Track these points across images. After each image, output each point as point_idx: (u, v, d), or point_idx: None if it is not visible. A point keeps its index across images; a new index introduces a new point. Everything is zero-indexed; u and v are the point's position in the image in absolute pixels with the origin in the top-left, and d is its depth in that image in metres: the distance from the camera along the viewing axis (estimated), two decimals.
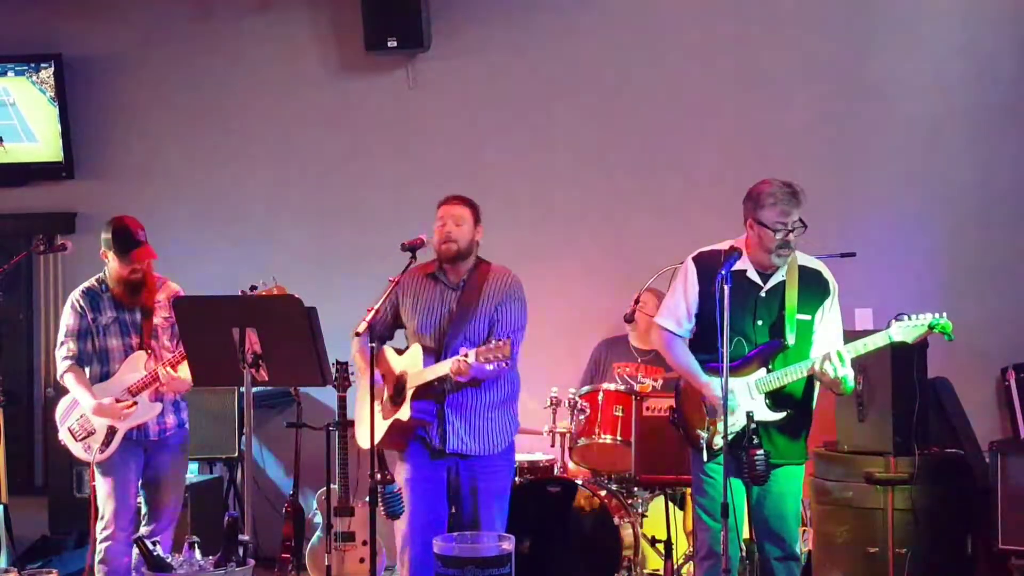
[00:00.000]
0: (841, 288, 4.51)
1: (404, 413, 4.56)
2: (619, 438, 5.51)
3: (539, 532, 5.36)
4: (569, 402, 5.68)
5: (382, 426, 4.54)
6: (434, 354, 4.60)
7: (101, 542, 4.91)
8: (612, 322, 6.30)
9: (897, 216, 6.40)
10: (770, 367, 4.35)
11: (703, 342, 4.43)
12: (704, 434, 4.37)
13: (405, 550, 4.63)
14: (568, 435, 5.70)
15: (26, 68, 7.14)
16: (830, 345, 4.32)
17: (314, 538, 6.01)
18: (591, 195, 6.75)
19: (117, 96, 7.27)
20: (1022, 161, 6.35)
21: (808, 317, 4.39)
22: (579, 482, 5.51)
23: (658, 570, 5.62)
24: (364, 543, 5.82)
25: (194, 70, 7.22)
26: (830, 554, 5.20)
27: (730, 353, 4.16)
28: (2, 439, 5.78)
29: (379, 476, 4.34)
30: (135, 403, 4.88)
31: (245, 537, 4.15)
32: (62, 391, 5.09)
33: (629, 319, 5.95)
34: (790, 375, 4.32)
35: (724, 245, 4.43)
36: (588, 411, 5.59)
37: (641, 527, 5.56)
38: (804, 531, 5.14)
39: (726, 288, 4.09)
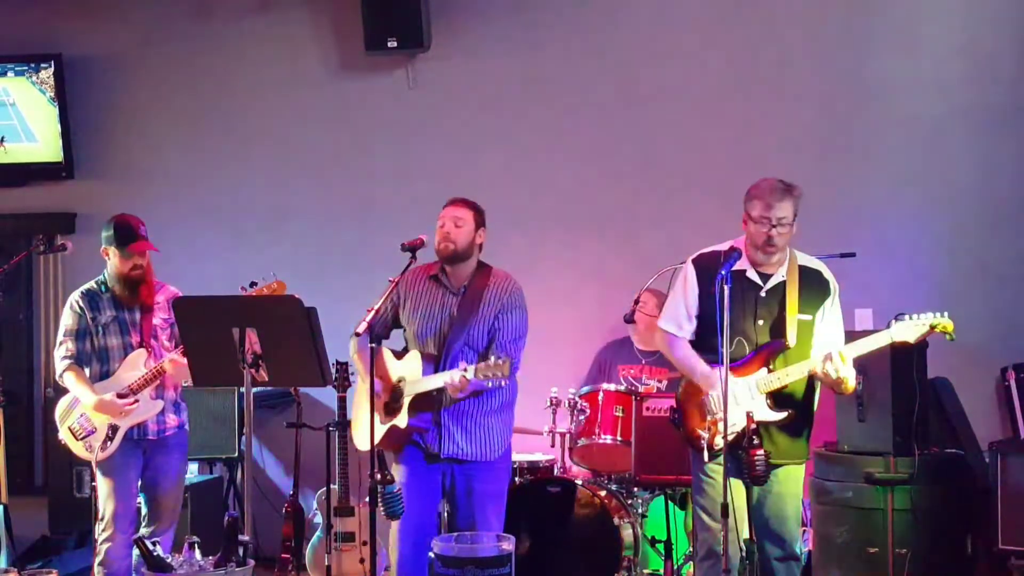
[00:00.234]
0: (841, 288, 4.51)
1: (402, 421, 4.57)
2: (619, 438, 5.52)
3: (539, 532, 5.36)
4: (569, 402, 5.68)
5: (379, 429, 4.54)
6: (434, 361, 4.60)
7: (101, 543, 4.91)
8: (612, 322, 6.30)
9: (897, 216, 6.40)
10: (771, 367, 4.35)
11: (704, 343, 4.43)
12: (704, 434, 4.37)
13: (394, 550, 4.64)
14: (568, 435, 5.70)
15: (26, 68, 7.14)
16: (831, 345, 4.32)
17: (314, 538, 6.01)
18: (591, 195, 6.75)
19: (117, 96, 7.28)
20: (1022, 161, 6.35)
21: (809, 317, 4.39)
22: (579, 482, 5.51)
23: (658, 570, 5.62)
24: (364, 543, 5.82)
25: (194, 70, 7.22)
26: (830, 554, 5.20)
27: (731, 353, 4.16)
28: (2, 439, 5.78)
29: (379, 476, 4.34)
30: (136, 400, 4.89)
31: (245, 537, 4.15)
32: (62, 391, 5.10)
33: (629, 319, 5.96)
34: (791, 375, 4.32)
35: (724, 246, 4.44)
36: (588, 411, 5.59)
37: (641, 527, 5.56)
38: (804, 531, 5.13)
39: (726, 288, 4.10)
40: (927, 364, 5.20)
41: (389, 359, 4.67)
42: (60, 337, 5.04)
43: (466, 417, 4.62)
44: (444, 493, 4.69)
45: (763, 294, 4.40)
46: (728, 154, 6.48)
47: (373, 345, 4.37)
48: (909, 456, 5.02)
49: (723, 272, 4.14)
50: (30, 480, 7.20)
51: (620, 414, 5.52)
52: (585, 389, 5.73)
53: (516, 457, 5.86)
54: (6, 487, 5.93)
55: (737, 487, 4.25)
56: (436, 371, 4.58)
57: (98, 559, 4.92)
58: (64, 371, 4.99)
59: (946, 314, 4.26)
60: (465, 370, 4.36)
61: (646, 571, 5.69)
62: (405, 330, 4.77)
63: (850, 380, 4.27)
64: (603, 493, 5.50)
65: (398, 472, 4.65)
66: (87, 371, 4.99)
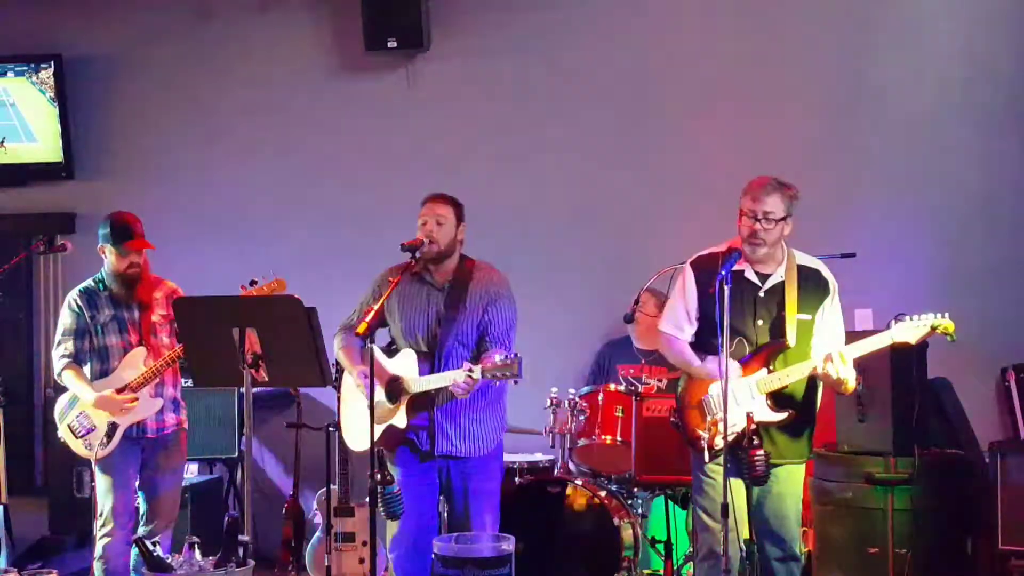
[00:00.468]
0: (841, 288, 4.51)
1: (401, 420, 4.57)
2: (619, 439, 5.51)
3: (539, 532, 5.35)
4: (569, 403, 5.68)
5: (375, 429, 4.51)
6: (428, 359, 4.60)
7: (100, 539, 4.92)
8: (612, 323, 6.30)
9: (897, 216, 6.40)
10: (771, 368, 4.35)
11: (704, 343, 4.44)
12: (704, 435, 4.37)
13: (393, 550, 4.64)
14: (568, 435, 5.70)
15: (26, 68, 7.14)
16: (831, 345, 4.32)
17: (314, 538, 6.01)
18: (591, 195, 6.75)
19: (117, 96, 7.28)
20: (1022, 161, 6.35)
21: (808, 317, 4.39)
22: (579, 482, 5.51)
23: (658, 570, 5.62)
24: (364, 543, 5.82)
25: (194, 70, 7.22)
26: (830, 554, 5.20)
27: (731, 354, 4.16)
28: (2, 439, 5.78)
29: (379, 476, 4.34)
30: (136, 398, 4.89)
31: (245, 537, 4.15)
32: (62, 391, 5.10)
33: (629, 319, 5.95)
34: (791, 375, 4.32)
35: (721, 247, 4.45)
36: (588, 412, 5.59)
37: (641, 527, 5.56)
38: (804, 531, 5.13)
39: (726, 289, 4.10)
40: (927, 364, 5.21)
41: (380, 358, 4.66)
42: (59, 336, 5.04)
43: (459, 414, 4.62)
44: (441, 490, 4.69)
45: (762, 294, 4.40)
46: (728, 154, 6.47)
47: (372, 345, 4.37)
48: (909, 456, 5.02)
49: (723, 272, 4.14)
50: (30, 480, 7.20)
51: (620, 414, 5.52)
52: (585, 389, 5.73)
53: (516, 457, 5.88)
54: (6, 487, 5.93)
55: (737, 487, 4.25)
56: (432, 369, 4.58)
57: (97, 554, 4.93)
58: (63, 369, 4.99)
59: (947, 315, 4.26)
60: (471, 371, 4.34)
61: (646, 571, 5.69)
62: (391, 328, 4.77)
63: (850, 380, 4.26)
64: (603, 493, 5.49)
65: (394, 472, 4.65)
66: (86, 370, 4.99)
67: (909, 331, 4.27)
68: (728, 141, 6.55)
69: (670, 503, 5.59)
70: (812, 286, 4.42)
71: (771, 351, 4.36)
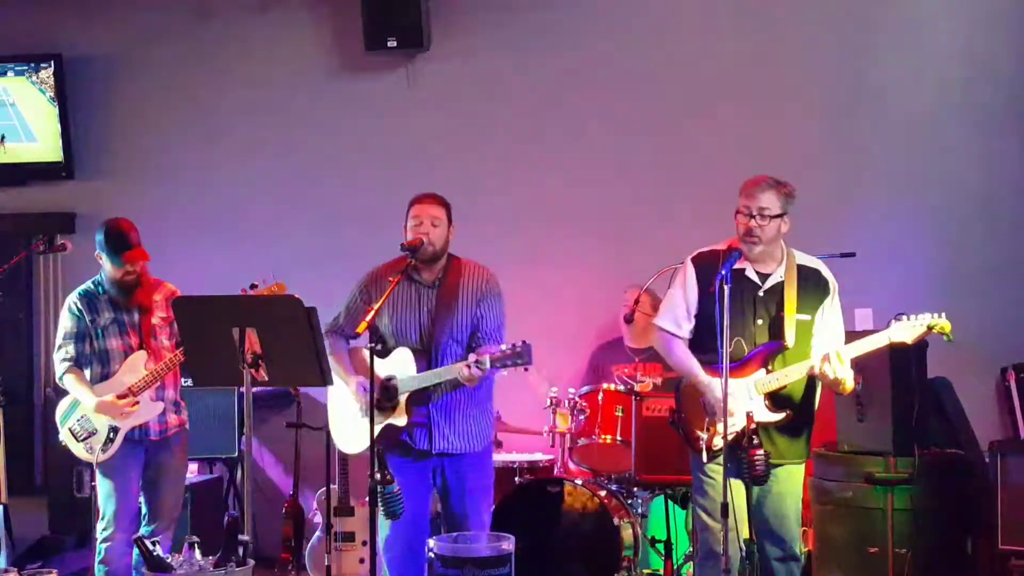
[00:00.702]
0: (841, 288, 4.50)
1: (401, 419, 4.58)
2: (619, 438, 5.52)
3: (539, 532, 5.35)
4: (569, 402, 5.68)
5: (366, 431, 4.50)
6: (424, 356, 4.61)
7: (102, 542, 4.91)
8: (612, 322, 6.30)
9: (897, 216, 6.40)
10: (769, 368, 4.35)
11: (702, 342, 4.43)
12: (703, 435, 4.37)
13: (387, 552, 4.64)
14: (568, 435, 5.70)
15: (26, 68, 7.14)
16: (830, 345, 4.32)
17: (314, 538, 6.01)
18: (590, 195, 6.74)
19: (117, 96, 7.28)
20: (1022, 161, 6.35)
21: (807, 317, 4.39)
22: (579, 482, 5.51)
23: (658, 570, 5.62)
24: (364, 543, 5.82)
25: (194, 70, 7.22)
26: (830, 554, 5.20)
27: (729, 354, 4.16)
28: (2, 439, 5.78)
29: (379, 476, 4.34)
30: (137, 402, 4.89)
31: (245, 537, 4.14)
32: (62, 392, 5.09)
33: (629, 320, 5.97)
34: (790, 376, 4.32)
35: (722, 245, 4.45)
36: (588, 411, 5.59)
37: (641, 527, 5.56)
38: (804, 531, 5.13)
39: (726, 288, 4.10)
40: (927, 364, 5.21)
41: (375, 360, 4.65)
42: (59, 340, 5.03)
43: (453, 411, 4.64)
44: (435, 488, 4.71)
45: (761, 293, 4.40)
46: (727, 154, 6.47)
47: (372, 345, 4.37)
48: (909, 456, 5.03)
49: (723, 271, 4.14)
50: (30, 480, 7.19)
51: (620, 414, 5.53)
52: (585, 389, 5.73)
53: (516, 457, 5.89)
54: (6, 487, 5.93)
55: (737, 487, 4.24)
56: (429, 365, 4.59)
57: (99, 558, 4.92)
58: (64, 373, 4.98)
59: (943, 315, 4.26)
60: (478, 361, 4.37)
61: (646, 571, 5.69)
62: (379, 327, 4.76)
63: (848, 381, 4.26)
64: (603, 493, 5.49)
65: None
66: (87, 373, 4.99)
67: (906, 331, 4.28)
68: (728, 141, 6.55)
69: (670, 503, 5.59)
70: (812, 286, 4.42)
71: (769, 351, 4.36)
